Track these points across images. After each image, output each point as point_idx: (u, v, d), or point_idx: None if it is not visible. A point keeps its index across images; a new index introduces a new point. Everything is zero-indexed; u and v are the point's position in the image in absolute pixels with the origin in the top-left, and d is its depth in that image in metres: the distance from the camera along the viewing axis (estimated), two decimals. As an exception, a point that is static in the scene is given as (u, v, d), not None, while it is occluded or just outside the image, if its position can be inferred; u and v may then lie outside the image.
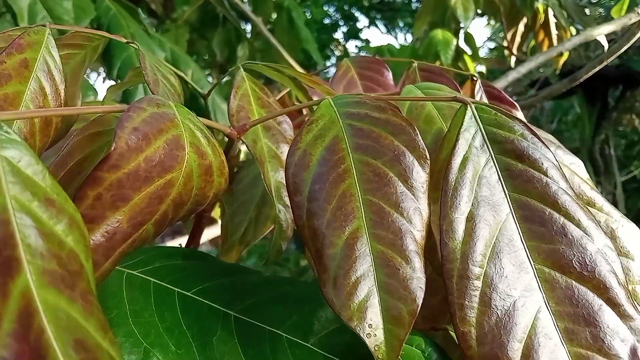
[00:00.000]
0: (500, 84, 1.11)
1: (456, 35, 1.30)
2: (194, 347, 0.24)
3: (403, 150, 0.25)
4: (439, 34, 1.18)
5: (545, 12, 1.32)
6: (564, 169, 0.38)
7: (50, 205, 0.16)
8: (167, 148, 0.20)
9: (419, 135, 0.26)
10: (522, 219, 0.26)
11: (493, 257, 0.24)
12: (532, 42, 1.44)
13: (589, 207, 0.37)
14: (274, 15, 1.63)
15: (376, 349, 0.22)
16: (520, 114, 0.47)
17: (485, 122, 0.27)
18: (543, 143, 0.28)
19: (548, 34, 1.35)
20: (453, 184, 0.25)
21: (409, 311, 0.22)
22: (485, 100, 0.45)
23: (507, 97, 0.45)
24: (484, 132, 0.27)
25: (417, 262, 0.23)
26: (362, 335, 0.22)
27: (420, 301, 0.22)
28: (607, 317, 0.24)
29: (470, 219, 0.25)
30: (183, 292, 0.26)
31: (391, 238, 0.24)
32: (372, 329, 0.22)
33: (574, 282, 0.25)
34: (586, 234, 0.25)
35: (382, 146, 0.25)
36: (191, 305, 0.26)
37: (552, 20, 1.33)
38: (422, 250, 0.24)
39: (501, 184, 0.26)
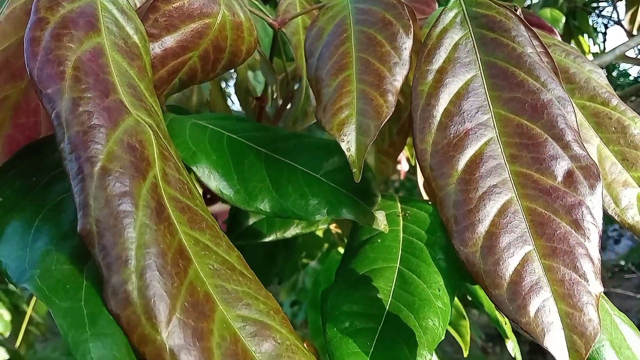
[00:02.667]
0: (607, 57, 1.08)
1: (571, 16, 1.28)
2: (230, 161, 0.33)
3: (391, 20, 0.33)
4: (547, 12, 1.18)
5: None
6: (584, 74, 0.42)
7: (124, 14, 0.26)
8: (205, 0, 0.30)
9: (405, 9, 0.33)
10: (489, 76, 0.31)
11: (456, 100, 0.30)
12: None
13: (603, 106, 0.41)
14: None
15: (348, 150, 0.29)
16: (557, 36, 0.50)
17: (467, 3, 0.33)
18: (523, 23, 0.33)
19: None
20: (430, 46, 0.32)
21: (375, 126, 0.29)
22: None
23: (546, 24, 0.49)
24: (465, 10, 0.33)
25: (390, 98, 0.30)
26: (339, 141, 0.29)
27: (384, 121, 0.29)
28: (550, 147, 0.29)
29: (441, 72, 0.31)
30: (230, 134, 0.36)
31: (372, 81, 0.31)
32: (347, 137, 0.29)
33: (524, 121, 0.30)
34: (543, 86, 0.31)
35: (376, 19, 0.33)
36: (234, 142, 0.35)
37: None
38: (396, 93, 0.31)
39: (474, 49, 0.32)
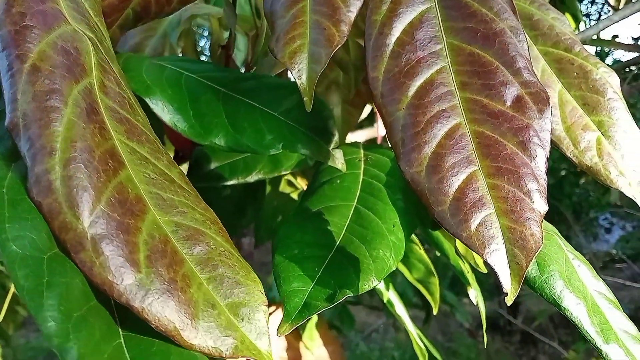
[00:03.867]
0: (590, 31, 1.08)
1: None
2: (187, 97, 0.33)
3: (346, -46, 0.32)
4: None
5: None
6: (547, 21, 0.42)
7: None
8: None
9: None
10: (443, 7, 0.31)
11: (409, 30, 0.30)
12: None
13: (566, 52, 0.41)
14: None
15: (299, 78, 0.29)
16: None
17: (424, -62, 0.33)
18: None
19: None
20: (385, -22, 0.32)
21: (326, 53, 0.29)
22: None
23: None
24: (421, -55, 0.33)
25: (343, 27, 0.30)
26: (290, 69, 0.29)
27: (335, 49, 0.29)
28: (500, 74, 0.29)
29: (396, 2, 0.31)
30: (189, 74, 0.36)
31: (326, 11, 0.31)
32: (298, 65, 0.29)
33: (476, 50, 0.30)
34: (496, 16, 0.30)
35: (332, -47, 0.33)
36: (192, 81, 0.35)
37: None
38: (349, 23, 0.31)
39: (430, -18, 0.32)
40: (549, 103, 0.28)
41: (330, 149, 0.34)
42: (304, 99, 0.29)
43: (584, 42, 1.07)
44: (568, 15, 1.37)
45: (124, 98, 0.24)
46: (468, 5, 0.31)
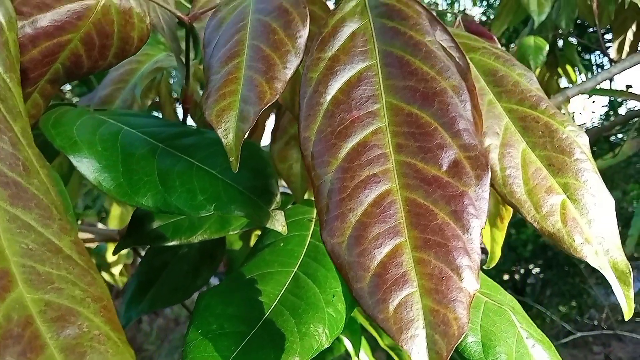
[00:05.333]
0: (588, 84, 1.06)
1: (555, 43, 1.28)
2: (119, 153, 0.32)
3: (287, 8, 0.31)
4: (531, 39, 1.17)
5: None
6: (512, 77, 0.40)
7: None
8: (88, -18, 0.29)
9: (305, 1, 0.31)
10: (385, 64, 0.30)
11: (346, 89, 0.29)
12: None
13: (531, 110, 0.39)
14: None
15: (225, 138, 0.27)
16: (497, 44, 0.49)
17: (370, -7, 0.32)
18: (426, 13, 0.32)
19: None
20: (325, 34, 0.30)
21: (254, 112, 0.28)
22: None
23: (486, 31, 0.47)
24: (366, 0, 0.32)
25: (277, 85, 0.29)
26: (217, 129, 0.28)
27: (265, 106, 0.28)
28: (438, 136, 0.27)
29: (334, 60, 0.30)
30: (129, 129, 0.34)
31: (261, 68, 0.30)
32: (226, 124, 0.28)
33: (415, 110, 0.28)
34: (438, 74, 0.29)
35: (273, 6, 0.32)
36: (130, 136, 0.34)
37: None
38: (285, 81, 0.29)
39: (372, 38, 0.31)
40: (487, 168, 0.26)
41: (270, 209, 0.32)
42: (230, 160, 0.27)
43: (583, 94, 1.05)
44: (568, 67, 1.36)
45: (18, 160, 0.23)
46: (409, 63, 0.29)
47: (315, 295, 0.30)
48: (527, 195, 0.35)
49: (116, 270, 1.29)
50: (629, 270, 0.33)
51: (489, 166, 0.26)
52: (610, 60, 1.20)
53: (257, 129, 0.64)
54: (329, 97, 0.28)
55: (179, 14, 0.36)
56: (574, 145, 0.36)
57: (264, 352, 0.25)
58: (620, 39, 1.27)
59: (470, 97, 0.34)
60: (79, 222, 1.28)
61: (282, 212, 0.32)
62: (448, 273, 0.23)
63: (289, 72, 0.30)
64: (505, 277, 3.55)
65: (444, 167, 0.26)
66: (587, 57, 2.99)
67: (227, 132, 0.27)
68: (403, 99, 0.28)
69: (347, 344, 0.51)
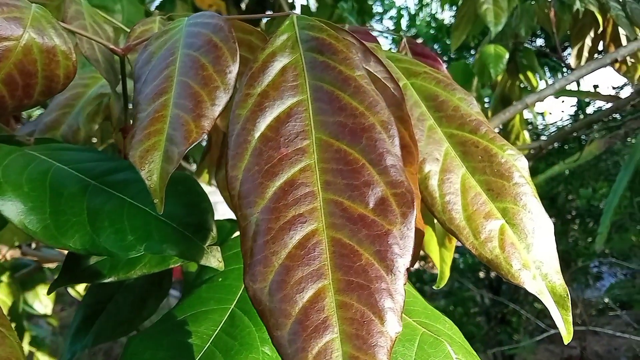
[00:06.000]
0: (547, 91, 1.08)
1: (516, 51, 1.30)
2: (48, 193, 0.31)
3: (217, 43, 0.31)
4: (491, 48, 1.19)
5: (614, 24, 1.26)
6: (453, 102, 0.40)
7: None
8: (6, 22, 0.28)
9: (232, 33, 0.31)
10: (315, 100, 0.30)
11: (275, 125, 0.29)
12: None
13: (471, 134, 0.39)
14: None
15: (149, 180, 0.27)
16: (443, 68, 0.49)
17: (301, 26, 0.32)
18: (359, 46, 0.32)
19: (619, 47, 1.29)
20: (254, 69, 0.30)
21: (179, 152, 0.27)
22: (409, 54, 0.48)
23: (430, 52, 0.48)
24: (298, 34, 0.32)
25: (204, 123, 0.29)
26: (140, 170, 0.27)
27: (190, 146, 0.27)
28: (365, 173, 0.27)
29: (263, 95, 0.29)
30: (61, 165, 0.34)
31: (188, 105, 0.29)
32: (150, 165, 0.27)
33: (344, 146, 0.28)
34: (366, 110, 0.29)
35: (203, 42, 0.31)
36: (61, 173, 0.33)
37: (623, 32, 1.27)
38: (214, 119, 0.29)
39: (303, 73, 0.30)
40: (413, 205, 0.26)
41: (205, 246, 0.31)
42: (155, 202, 0.27)
43: (541, 100, 1.07)
44: (529, 74, 1.38)
45: None
46: (339, 98, 0.29)
47: (250, 334, 0.29)
48: (466, 222, 0.35)
49: (81, 287, 1.26)
50: (567, 295, 0.34)
51: (415, 203, 0.26)
52: (568, 68, 1.22)
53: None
54: (257, 135, 0.28)
55: (112, 46, 0.35)
56: (513, 169, 0.37)
57: (189, 400, 0.25)
58: (578, 46, 1.30)
59: (405, 127, 0.35)
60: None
61: (218, 248, 0.32)
62: (370, 317, 0.23)
63: (217, 109, 0.29)
64: (481, 274, 3.59)
65: (371, 205, 0.26)
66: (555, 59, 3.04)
67: (151, 174, 0.27)
68: (332, 134, 0.28)
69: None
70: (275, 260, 0.24)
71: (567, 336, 0.33)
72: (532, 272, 0.34)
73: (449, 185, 0.36)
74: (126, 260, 0.37)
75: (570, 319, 0.34)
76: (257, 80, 0.29)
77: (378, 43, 0.48)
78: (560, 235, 3.49)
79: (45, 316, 1.21)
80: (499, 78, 1.30)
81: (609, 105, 1.25)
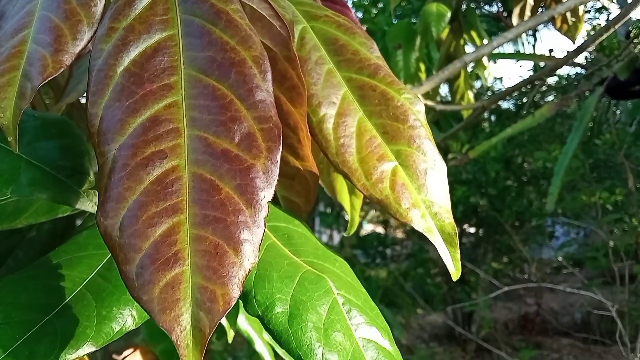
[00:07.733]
0: (485, 49, 1.09)
1: (459, 11, 1.30)
2: None
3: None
4: (433, 6, 1.18)
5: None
6: (353, 46, 0.40)
7: None
8: None
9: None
10: (186, 34, 0.28)
11: (140, 60, 0.27)
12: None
13: (369, 78, 0.38)
14: None
15: (1, 117, 0.25)
16: (351, 15, 0.48)
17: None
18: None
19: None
20: (120, 2, 0.29)
21: (32, 87, 0.26)
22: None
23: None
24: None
25: (62, 57, 0.27)
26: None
27: (44, 81, 0.26)
28: (232, 108, 0.26)
29: (129, 29, 0.28)
30: None
31: (48, 40, 0.27)
32: (3, 102, 0.26)
33: (212, 81, 0.27)
34: (238, 44, 0.28)
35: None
36: None
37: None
38: (74, 54, 0.27)
39: (175, 7, 0.29)
40: (279, 140, 0.25)
41: (82, 190, 0.30)
42: (9, 140, 0.25)
43: (479, 58, 1.07)
44: (474, 33, 1.39)
45: None
46: (210, 32, 0.28)
47: (126, 278, 0.28)
48: (359, 164, 0.35)
49: None
50: (455, 232, 0.34)
51: (281, 137, 0.25)
52: (509, 26, 1.23)
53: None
54: (119, 70, 0.27)
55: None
56: (409, 112, 0.37)
57: (48, 340, 0.24)
58: (520, 5, 1.30)
59: (293, 67, 0.34)
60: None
61: (96, 192, 0.31)
62: (224, 248, 0.22)
63: (79, 44, 0.28)
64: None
65: (236, 140, 0.25)
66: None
67: (4, 110, 0.25)
68: (202, 70, 0.27)
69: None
70: (129, 195, 0.23)
71: (455, 273, 0.34)
72: (421, 211, 0.34)
73: (344, 129, 0.36)
74: (11, 209, 0.35)
75: (459, 256, 0.34)
76: (122, 14, 0.28)
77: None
78: (516, 196, 3.59)
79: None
80: (444, 37, 1.30)
81: (549, 64, 1.28)
